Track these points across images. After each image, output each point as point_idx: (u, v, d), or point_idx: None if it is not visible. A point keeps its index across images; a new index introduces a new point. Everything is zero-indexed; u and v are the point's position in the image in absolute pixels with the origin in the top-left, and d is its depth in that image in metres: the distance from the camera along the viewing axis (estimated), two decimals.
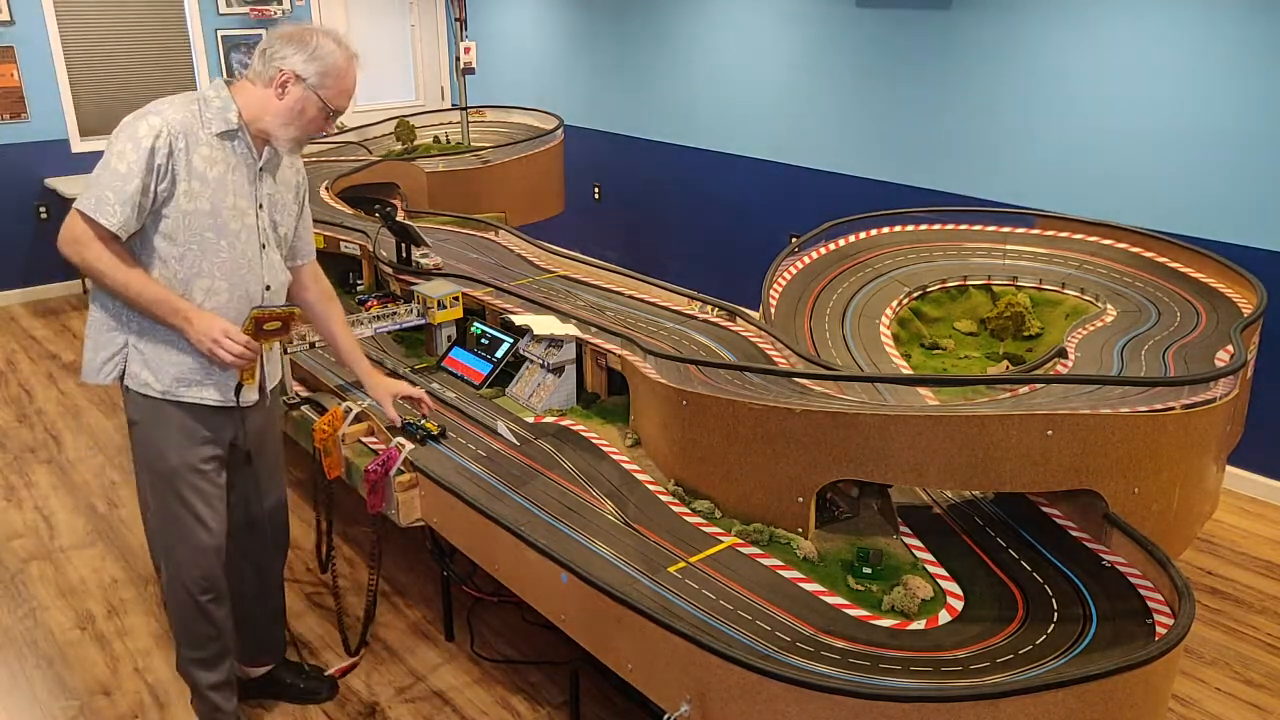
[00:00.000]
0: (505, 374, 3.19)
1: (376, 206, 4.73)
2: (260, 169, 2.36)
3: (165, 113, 2.20)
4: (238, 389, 2.36)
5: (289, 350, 3.07)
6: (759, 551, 2.30)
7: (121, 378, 2.34)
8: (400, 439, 2.76)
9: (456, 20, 5.90)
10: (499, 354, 3.22)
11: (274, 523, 2.71)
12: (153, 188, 2.18)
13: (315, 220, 4.19)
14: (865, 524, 2.42)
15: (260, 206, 2.37)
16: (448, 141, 6.14)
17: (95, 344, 2.35)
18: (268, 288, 2.40)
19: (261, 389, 2.48)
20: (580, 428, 2.90)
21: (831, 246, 3.74)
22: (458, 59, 5.76)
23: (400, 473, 2.69)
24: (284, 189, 2.45)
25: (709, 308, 3.33)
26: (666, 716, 2.03)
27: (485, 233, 4.42)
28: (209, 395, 2.36)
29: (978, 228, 3.87)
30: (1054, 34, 4.43)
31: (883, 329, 3.19)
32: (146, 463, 2.42)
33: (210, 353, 2.25)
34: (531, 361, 3.09)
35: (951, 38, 4.82)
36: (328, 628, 3.24)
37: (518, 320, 3.10)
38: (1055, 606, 2.11)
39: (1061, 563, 2.26)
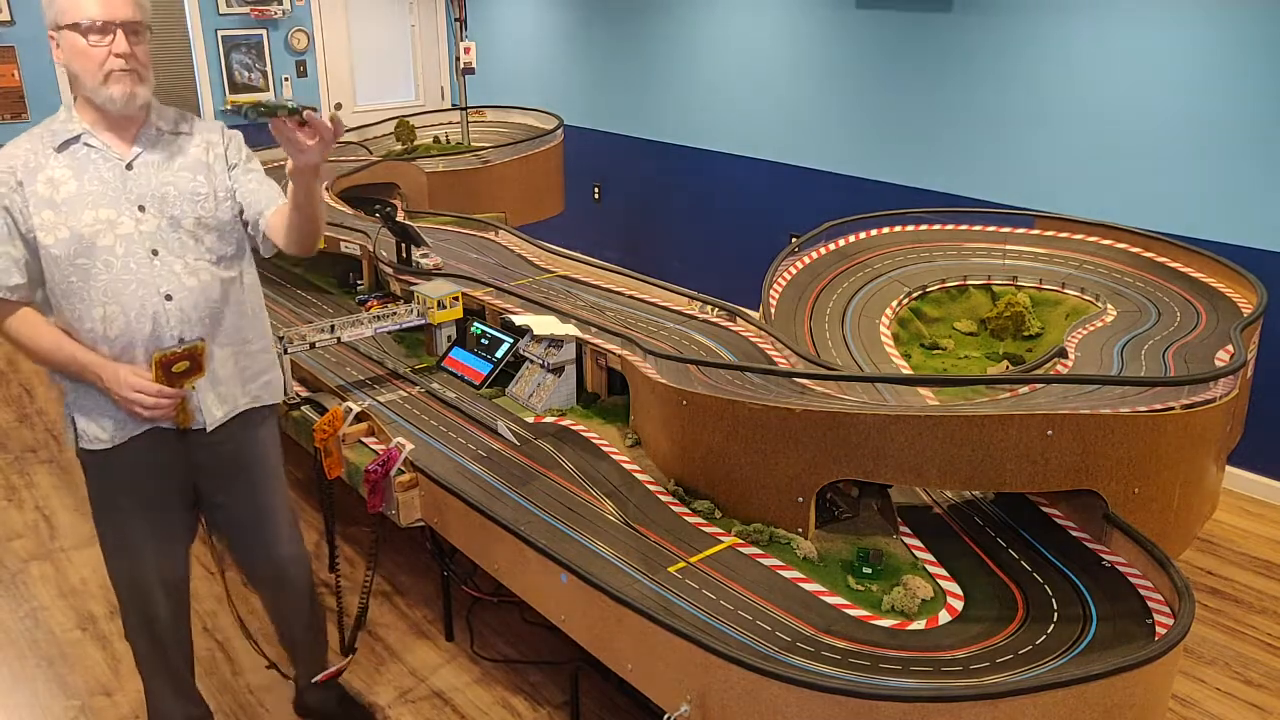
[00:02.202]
0: (505, 374, 3.19)
1: (376, 206, 4.72)
2: (129, 165, 2.10)
3: (8, 149, 2.07)
4: (178, 425, 2.22)
5: (289, 350, 3.07)
6: (759, 551, 2.30)
7: (76, 439, 2.23)
8: (400, 440, 2.76)
9: (456, 20, 5.90)
10: (499, 354, 3.22)
11: (266, 547, 2.53)
12: (13, 233, 2.04)
13: None
14: (865, 524, 2.42)
15: (140, 209, 2.10)
16: (448, 141, 6.14)
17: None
18: (168, 297, 2.12)
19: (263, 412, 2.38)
20: (580, 428, 2.90)
21: (831, 246, 3.74)
22: (458, 59, 5.76)
23: (400, 473, 2.69)
24: (185, 175, 2.16)
25: (709, 308, 3.33)
26: (666, 716, 2.03)
27: (485, 233, 4.42)
28: (162, 424, 2.21)
29: (978, 228, 3.87)
30: (1054, 35, 4.43)
31: (883, 329, 3.20)
32: (100, 502, 2.31)
33: (129, 410, 2.10)
34: (531, 361, 3.09)
35: (952, 39, 4.82)
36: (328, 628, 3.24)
37: (518, 320, 3.10)
38: (1055, 606, 2.11)
39: (1061, 563, 2.26)
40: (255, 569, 2.58)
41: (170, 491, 2.32)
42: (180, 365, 2.10)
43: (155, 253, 2.11)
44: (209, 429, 2.25)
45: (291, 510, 2.58)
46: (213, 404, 2.25)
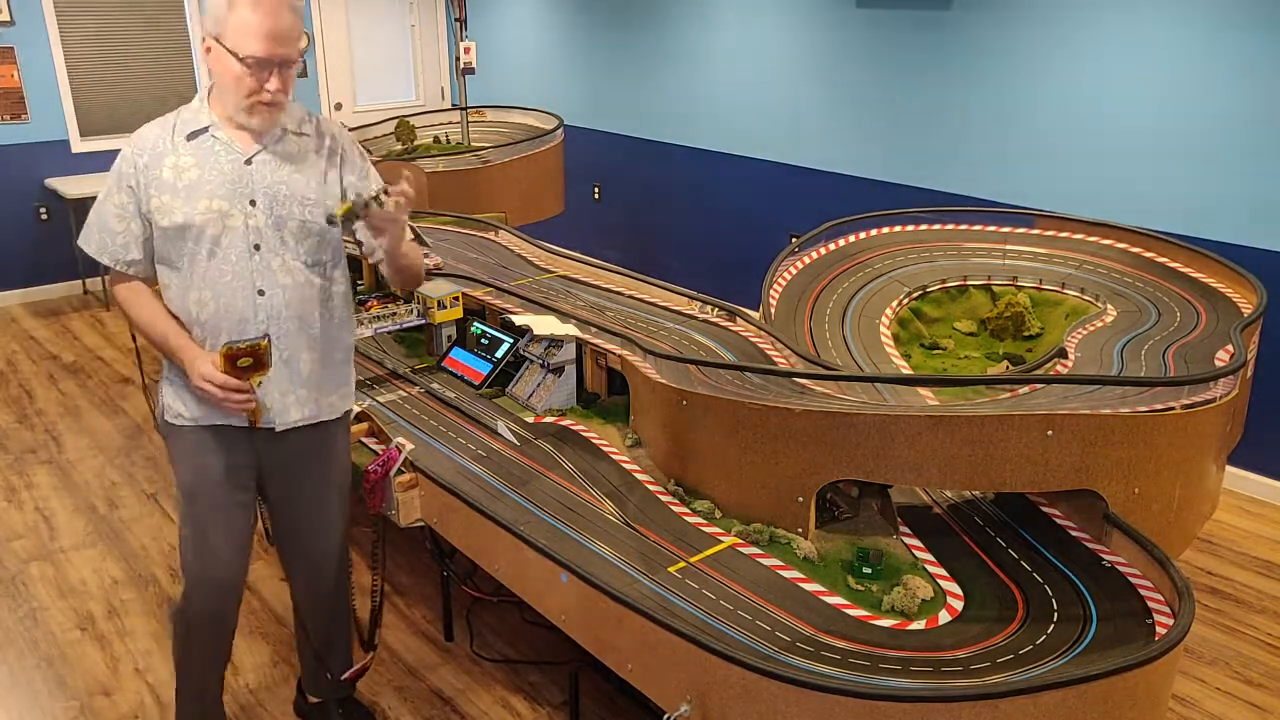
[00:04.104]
0: (505, 374, 3.19)
1: None
2: (249, 161, 2.15)
3: (140, 132, 2.17)
4: (250, 421, 2.25)
5: None
6: (759, 551, 2.30)
7: (163, 411, 2.30)
8: (400, 440, 2.76)
9: (456, 20, 5.90)
10: (499, 354, 3.22)
11: (316, 558, 2.54)
12: (135, 211, 2.15)
13: None
14: (865, 524, 2.42)
15: (252, 204, 2.15)
16: (448, 141, 6.14)
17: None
18: (260, 293, 2.18)
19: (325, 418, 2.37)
20: (580, 428, 2.90)
21: (831, 246, 3.74)
22: (458, 59, 5.76)
23: (400, 473, 2.69)
24: (299, 174, 2.20)
25: (709, 308, 3.33)
26: (666, 716, 2.03)
27: (485, 233, 4.42)
28: (234, 419, 2.25)
29: (978, 228, 3.87)
30: (1054, 34, 4.43)
31: (883, 329, 3.19)
32: (177, 480, 2.36)
33: (203, 396, 2.16)
34: (531, 361, 3.09)
35: (951, 38, 4.82)
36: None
37: (518, 320, 3.10)
38: (1055, 606, 2.11)
39: (1061, 563, 2.26)
40: (302, 563, 2.55)
41: (235, 483, 2.33)
42: (244, 360, 2.13)
43: (257, 248, 2.17)
44: (278, 429, 2.28)
45: (348, 508, 2.57)
46: (291, 405, 2.28)
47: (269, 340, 2.17)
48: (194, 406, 2.25)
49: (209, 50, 2.07)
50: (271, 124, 2.15)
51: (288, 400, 2.27)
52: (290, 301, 2.22)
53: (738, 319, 3.22)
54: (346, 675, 2.76)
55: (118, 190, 2.15)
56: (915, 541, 2.35)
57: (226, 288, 2.17)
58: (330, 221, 2.20)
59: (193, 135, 2.15)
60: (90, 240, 2.21)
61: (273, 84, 2.07)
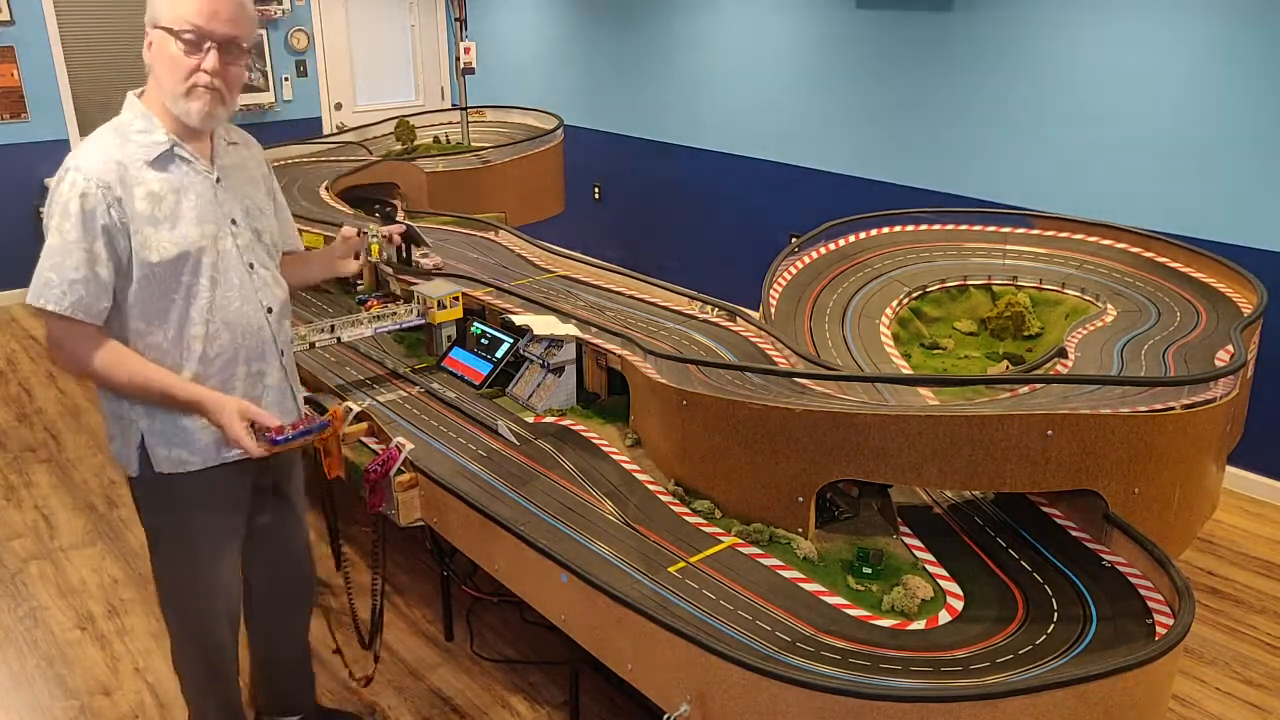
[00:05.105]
0: (505, 374, 3.19)
1: (376, 206, 4.73)
2: (218, 180, 2.07)
3: (84, 164, 1.91)
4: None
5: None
6: (759, 551, 2.30)
7: (146, 466, 2.10)
8: (400, 440, 2.76)
9: (456, 20, 5.90)
10: (499, 354, 3.21)
11: (297, 565, 2.55)
12: (103, 254, 1.92)
13: (315, 220, 4.21)
14: (865, 524, 2.42)
15: (234, 223, 2.08)
16: (448, 141, 6.14)
17: (111, 430, 2.14)
18: (269, 310, 2.14)
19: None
20: (580, 428, 2.89)
21: (831, 246, 3.74)
22: (458, 59, 5.76)
23: (400, 472, 2.69)
24: (254, 189, 2.17)
25: (709, 308, 3.33)
26: (666, 716, 2.03)
27: (485, 233, 4.42)
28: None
29: (978, 228, 3.87)
30: (1054, 34, 4.43)
31: (883, 329, 3.20)
32: (169, 532, 2.21)
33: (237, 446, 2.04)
34: (531, 361, 3.09)
35: (952, 38, 4.82)
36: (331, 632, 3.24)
37: (518, 320, 3.10)
38: (1055, 606, 2.11)
39: (1061, 563, 2.26)
40: (282, 583, 2.53)
41: (239, 512, 2.28)
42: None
43: (251, 266, 2.12)
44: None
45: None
46: (291, 411, 2.27)
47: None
48: (204, 449, 2.12)
49: (150, 46, 1.95)
50: (209, 116, 1.99)
51: (291, 412, 2.28)
52: (287, 313, 2.22)
53: (738, 319, 3.22)
54: (359, 678, 2.82)
55: (84, 234, 1.91)
56: (915, 541, 2.35)
57: (238, 313, 2.08)
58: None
59: (158, 161, 1.98)
60: (61, 298, 1.92)
61: (209, 63, 1.92)
